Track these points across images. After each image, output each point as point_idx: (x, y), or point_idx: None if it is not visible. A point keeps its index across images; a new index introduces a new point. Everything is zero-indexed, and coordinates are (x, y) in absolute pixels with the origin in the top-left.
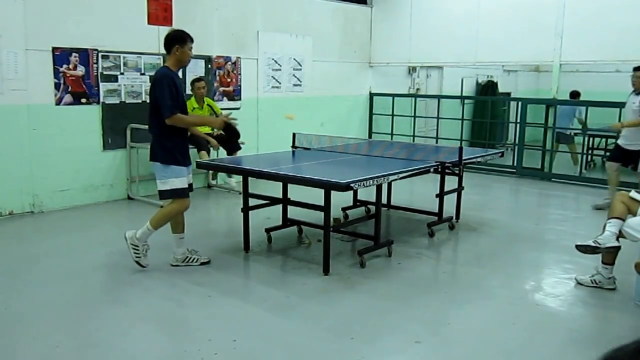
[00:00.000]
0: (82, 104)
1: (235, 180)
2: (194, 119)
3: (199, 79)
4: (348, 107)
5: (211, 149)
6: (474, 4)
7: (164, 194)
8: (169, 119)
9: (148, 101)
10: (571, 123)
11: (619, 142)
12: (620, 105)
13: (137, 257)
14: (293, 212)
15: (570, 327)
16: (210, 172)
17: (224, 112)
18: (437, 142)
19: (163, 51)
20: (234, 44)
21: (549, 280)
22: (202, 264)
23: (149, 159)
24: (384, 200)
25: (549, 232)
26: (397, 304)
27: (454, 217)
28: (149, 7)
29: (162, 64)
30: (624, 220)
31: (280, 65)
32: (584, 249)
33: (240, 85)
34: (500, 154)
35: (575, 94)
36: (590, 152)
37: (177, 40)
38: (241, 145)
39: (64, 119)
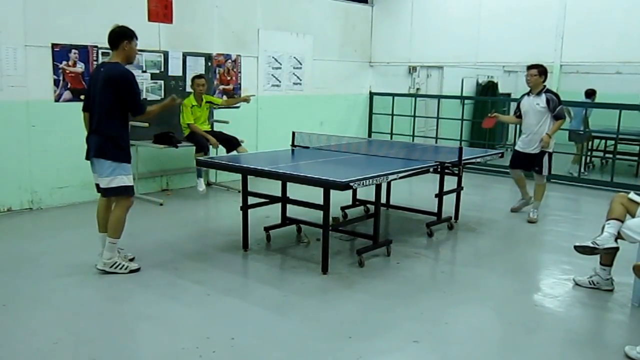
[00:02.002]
0: (82, 100)
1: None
2: (156, 108)
3: (199, 76)
4: (348, 106)
5: (211, 147)
6: (475, 5)
7: (110, 192)
8: (142, 114)
9: (98, 97)
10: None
11: (517, 147)
12: (621, 106)
13: (125, 270)
14: (292, 211)
15: (568, 328)
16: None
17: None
18: (436, 142)
19: (163, 49)
20: (234, 41)
21: (547, 280)
22: (129, 260)
23: (92, 155)
24: (383, 199)
25: (547, 233)
26: (396, 303)
27: (453, 217)
28: (149, 4)
29: (108, 61)
30: (622, 221)
31: (281, 64)
32: (582, 249)
33: (240, 84)
34: (500, 155)
35: (590, 93)
36: (589, 153)
37: (126, 36)
38: (241, 144)
39: (63, 116)
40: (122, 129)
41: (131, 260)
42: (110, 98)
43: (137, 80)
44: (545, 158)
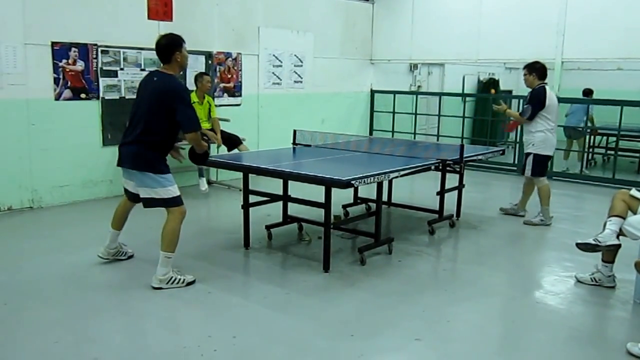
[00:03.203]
0: (82, 99)
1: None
2: (202, 144)
3: (206, 74)
4: (349, 104)
5: (212, 145)
6: (476, 1)
7: (159, 203)
8: (195, 133)
9: (146, 107)
10: (583, 120)
11: None
12: (622, 103)
13: (182, 283)
14: (293, 209)
15: (570, 325)
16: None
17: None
18: (438, 140)
19: None
20: (235, 39)
21: (549, 278)
22: (129, 257)
23: (133, 168)
24: (385, 197)
25: (549, 230)
26: (397, 301)
27: (455, 215)
28: (149, 1)
29: (161, 70)
30: (624, 218)
31: (281, 62)
32: (584, 247)
33: (241, 82)
34: (501, 152)
35: (588, 92)
36: (591, 150)
37: (176, 45)
38: (242, 142)
39: (63, 114)
40: (168, 141)
41: (131, 257)
42: (161, 111)
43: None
44: (530, 159)
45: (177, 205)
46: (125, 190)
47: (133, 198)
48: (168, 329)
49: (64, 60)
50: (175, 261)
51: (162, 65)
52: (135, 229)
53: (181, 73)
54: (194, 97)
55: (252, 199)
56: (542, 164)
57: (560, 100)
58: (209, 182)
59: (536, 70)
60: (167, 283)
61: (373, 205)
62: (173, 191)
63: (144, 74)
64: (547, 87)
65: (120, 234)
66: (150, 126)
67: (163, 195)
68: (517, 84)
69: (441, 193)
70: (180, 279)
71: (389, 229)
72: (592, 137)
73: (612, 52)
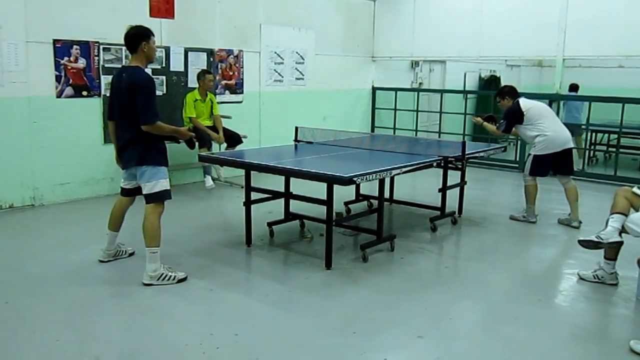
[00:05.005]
0: (83, 96)
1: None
2: (168, 128)
3: (209, 72)
4: (351, 101)
5: (213, 142)
6: None
7: (152, 197)
8: (151, 125)
9: (125, 107)
10: (580, 116)
11: None
12: (623, 100)
13: (173, 280)
14: (295, 206)
15: (573, 322)
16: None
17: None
18: (439, 137)
19: (165, 44)
20: (237, 37)
21: (551, 275)
22: (130, 255)
23: (135, 165)
24: (387, 194)
25: (551, 227)
26: (400, 299)
27: (457, 212)
28: None
29: (128, 64)
30: (626, 215)
31: (283, 59)
32: (586, 244)
33: (242, 79)
34: (502, 149)
35: (574, 87)
36: (592, 147)
37: (143, 36)
38: (242, 140)
39: (64, 112)
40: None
41: (131, 254)
42: (131, 104)
43: (156, 89)
44: (529, 159)
45: (164, 200)
46: (122, 189)
47: (129, 193)
48: (170, 326)
49: (66, 58)
50: (177, 258)
51: (130, 56)
52: (135, 227)
53: (149, 64)
54: (196, 95)
55: (254, 196)
56: (540, 164)
57: (559, 98)
58: (211, 179)
59: (506, 93)
60: (158, 280)
61: (375, 202)
62: (166, 184)
63: (146, 71)
64: (521, 100)
65: (118, 235)
66: (134, 125)
67: (160, 188)
68: (518, 82)
69: (443, 190)
70: (171, 276)
71: (391, 226)
72: (593, 134)
73: (614, 50)
